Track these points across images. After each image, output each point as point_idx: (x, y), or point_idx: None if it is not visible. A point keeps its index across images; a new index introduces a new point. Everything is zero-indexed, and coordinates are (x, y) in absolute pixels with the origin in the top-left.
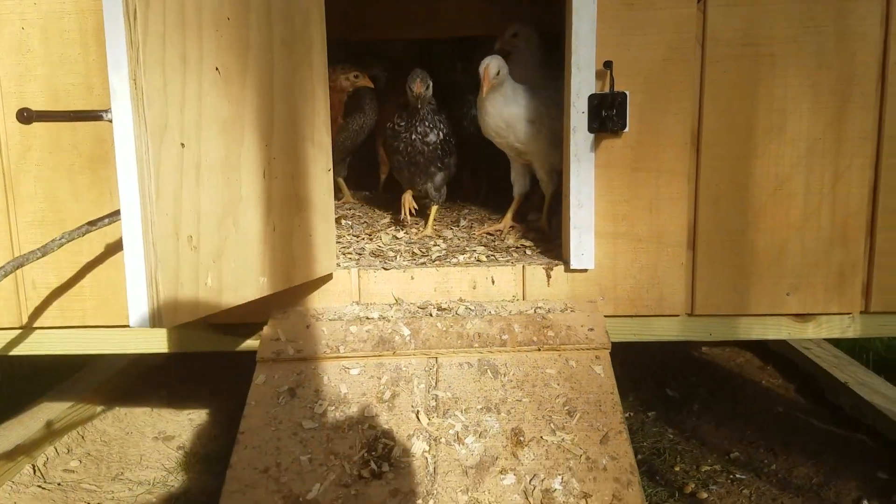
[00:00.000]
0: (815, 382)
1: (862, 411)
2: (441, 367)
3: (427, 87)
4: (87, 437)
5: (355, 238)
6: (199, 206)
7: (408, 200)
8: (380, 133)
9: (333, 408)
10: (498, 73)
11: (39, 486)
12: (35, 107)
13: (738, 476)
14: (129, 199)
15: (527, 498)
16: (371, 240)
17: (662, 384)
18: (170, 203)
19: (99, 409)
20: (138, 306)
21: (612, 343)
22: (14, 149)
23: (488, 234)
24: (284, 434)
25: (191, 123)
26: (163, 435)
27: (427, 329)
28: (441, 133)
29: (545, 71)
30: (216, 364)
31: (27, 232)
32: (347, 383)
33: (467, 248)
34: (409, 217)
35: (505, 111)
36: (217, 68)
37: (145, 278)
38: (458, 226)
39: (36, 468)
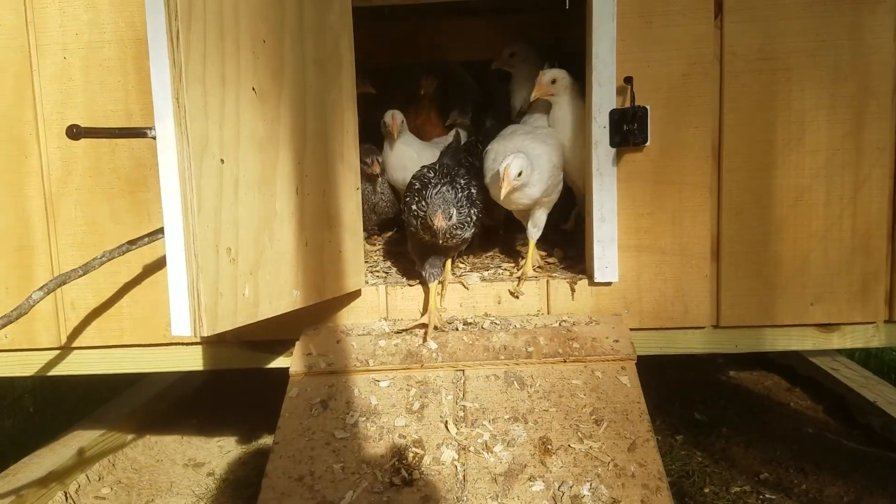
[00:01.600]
0: (843, 403)
1: (892, 430)
2: (468, 379)
3: (450, 217)
4: (118, 465)
5: (382, 257)
6: (237, 220)
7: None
8: None
9: (364, 418)
10: (520, 174)
11: None
12: None
13: (768, 496)
14: (172, 212)
15: (556, 503)
16: (397, 259)
17: (690, 408)
18: (210, 216)
19: (130, 437)
20: (180, 314)
21: (639, 356)
22: (55, 174)
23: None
24: (318, 444)
25: (230, 140)
26: (193, 462)
27: (454, 343)
28: (473, 219)
29: None
30: (245, 394)
31: (67, 254)
32: (377, 395)
33: (491, 265)
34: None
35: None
36: (254, 88)
37: (187, 288)
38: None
39: (68, 495)
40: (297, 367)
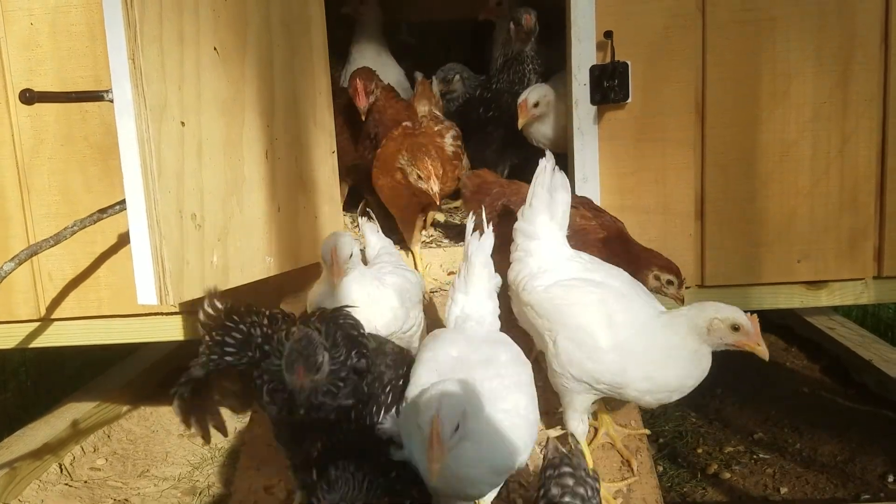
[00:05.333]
0: (840, 362)
1: (887, 388)
2: None
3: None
4: (112, 436)
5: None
6: (202, 185)
7: None
8: None
9: None
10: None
11: (66, 485)
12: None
13: (761, 456)
14: (133, 178)
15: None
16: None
17: None
18: (172, 181)
19: (125, 408)
20: (145, 283)
21: None
22: (27, 143)
23: None
24: None
25: (190, 102)
26: (188, 432)
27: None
28: None
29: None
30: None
31: (42, 224)
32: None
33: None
34: None
35: None
36: (215, 48)
37: (151, 255)
38: None
39: (63, 467)
40: None
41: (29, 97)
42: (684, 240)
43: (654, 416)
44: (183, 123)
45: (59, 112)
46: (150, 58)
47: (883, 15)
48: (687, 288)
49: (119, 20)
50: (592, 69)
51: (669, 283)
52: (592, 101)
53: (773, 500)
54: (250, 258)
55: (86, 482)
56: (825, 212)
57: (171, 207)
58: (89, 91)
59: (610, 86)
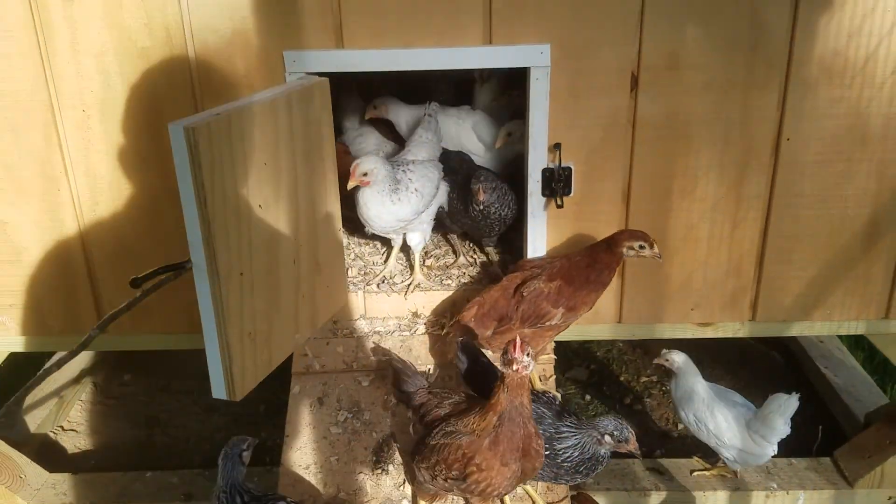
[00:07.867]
0: None
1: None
2: (430, 376)
3: None
4: (133, 352)
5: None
6: (254, 310)
7: None
8: None
9: (351, 416)
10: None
11: (101, 403)
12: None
13: (668, 388)
14: (208, 317)
15: None
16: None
17: None
18: (236, 316)
19: None
20: (218, 385)
21: (563, 341)
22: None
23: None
24: (318, 437)
25: (245, 256)
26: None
27: (417, 346)
28: None
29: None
30: None
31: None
32: (361, 394)
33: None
34: None
35: None
36: (259, 205)
37: (221, 367)
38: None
39: (97, 385)
40: (298, 368)
41: (135, 281)
42: (609, 293)
43: (587, 343)
44: (241, 274)
45: (112, 176)
46: (218, 239)
47: (776, 134)
48: (607, 324)
49: (195, 216)
50: (544, 171)
51: (641, 247)
52: (543, 195)
53: (671, 436)
54: (285, 342)
55: (117, 398)
56: (715, 276)
57: (234, 332)
58: (176, 264)
59: (557, 185)
